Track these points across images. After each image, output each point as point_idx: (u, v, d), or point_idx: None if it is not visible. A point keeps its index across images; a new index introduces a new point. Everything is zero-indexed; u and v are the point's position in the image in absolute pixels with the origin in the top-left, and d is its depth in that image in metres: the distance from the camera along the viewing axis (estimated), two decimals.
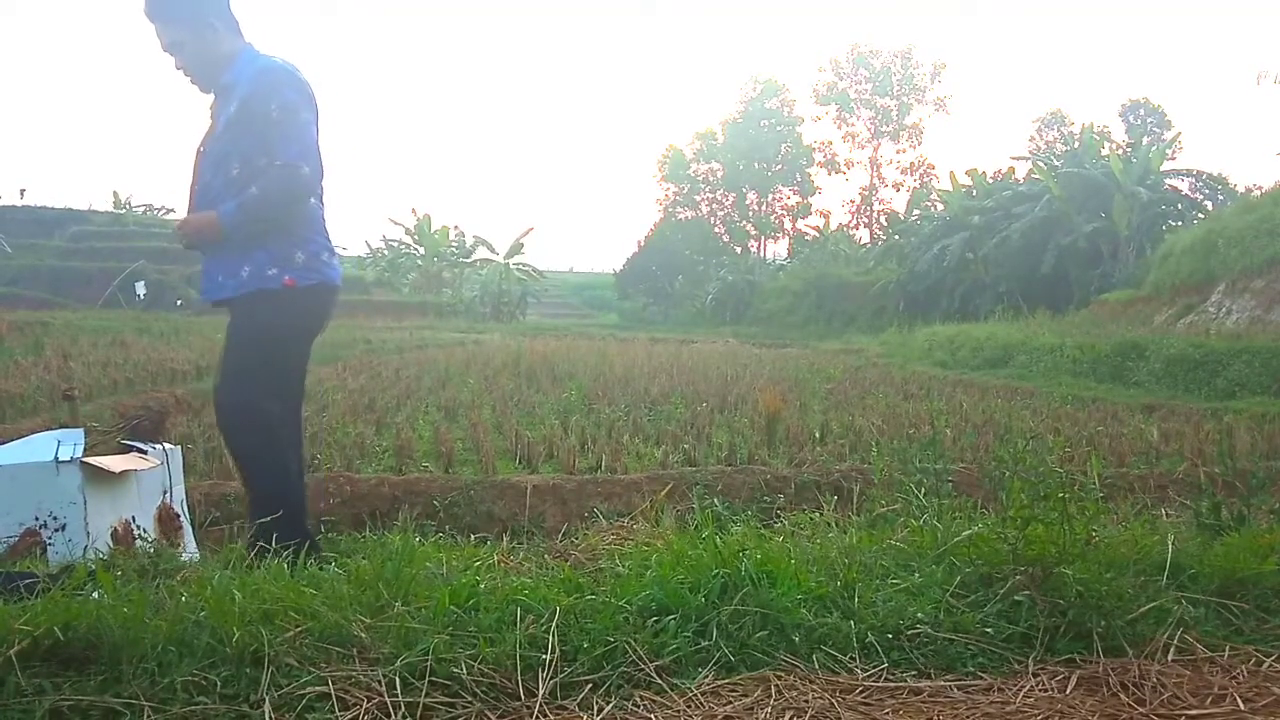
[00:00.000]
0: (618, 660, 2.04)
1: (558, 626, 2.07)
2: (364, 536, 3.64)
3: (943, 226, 29.96)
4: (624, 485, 5.84)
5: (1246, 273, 15.27)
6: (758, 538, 2.67)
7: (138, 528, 3.34)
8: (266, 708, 1.79)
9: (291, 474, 3.26)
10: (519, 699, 1.91)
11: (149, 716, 1.75)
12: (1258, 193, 24.50)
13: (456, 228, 40.53)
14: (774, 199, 52.85)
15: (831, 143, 52.36)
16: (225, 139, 3.16)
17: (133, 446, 3.87)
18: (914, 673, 2.15)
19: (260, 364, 3.18)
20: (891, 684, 2.09)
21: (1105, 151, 30.51)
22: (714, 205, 52.98)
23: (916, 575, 2.51)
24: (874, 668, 2.14)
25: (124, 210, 38.00)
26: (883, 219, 46.74)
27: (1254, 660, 2.29)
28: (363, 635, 1.99)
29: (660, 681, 2.02)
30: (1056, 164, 29.90)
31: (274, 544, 2.61)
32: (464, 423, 8.14)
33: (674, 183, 52.87)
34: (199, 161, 3.27)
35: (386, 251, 44.00)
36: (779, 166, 51.58)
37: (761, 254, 51.50)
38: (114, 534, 3.31)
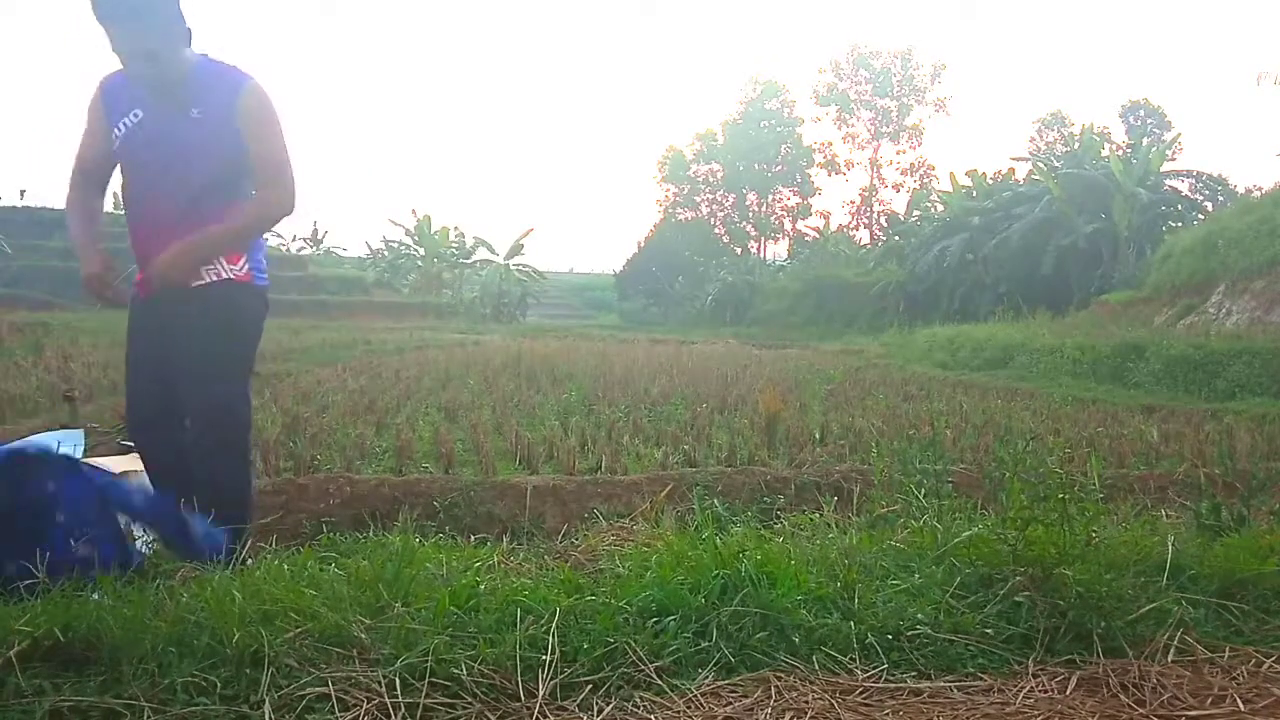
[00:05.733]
0: (618, 661, 2.04)
1: (558, 627, 2.07)
2: (364, 537, 3.64)
3: (943, 227, 29.99)
4: (624, 486, 5.82)
5: (1246, 273, 15.26)
6: (758, 539, 2.67)
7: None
8: (266, 708, 1.79)
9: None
10: (519, 700, 1.91)
11: (149, 717, 1.75)
12: (1258, 193, 24.51)
13: (456, 228, 40.68)
14: (774, 200, 52.89)
15: (831, 143, 52.46)
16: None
17: (132, 447, 3.87)
18: (914, 674, 2.15)
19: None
20: (891, 685, 2.09)
21: (1105, 152, 30.57)
22: (714, 206, 53.01)
23: (916, 576, 2.51)
24: (874, 669, 2.14)
25: (124, 211, 37.90)
26: (883, 220, 46.76)
27: (1254, 661, 2.28)
28: (363, 636, 1.99)
29: (660, 682, 2.02)
30: (1056, 165, 29.94)
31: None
32: (464, 424, 8.13)
33: (674, 183, 52.91)
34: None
35: (387, 252, 44.06)
36: (779, 167, 51.61)
37: (761, 255, 51.57)
38: None
